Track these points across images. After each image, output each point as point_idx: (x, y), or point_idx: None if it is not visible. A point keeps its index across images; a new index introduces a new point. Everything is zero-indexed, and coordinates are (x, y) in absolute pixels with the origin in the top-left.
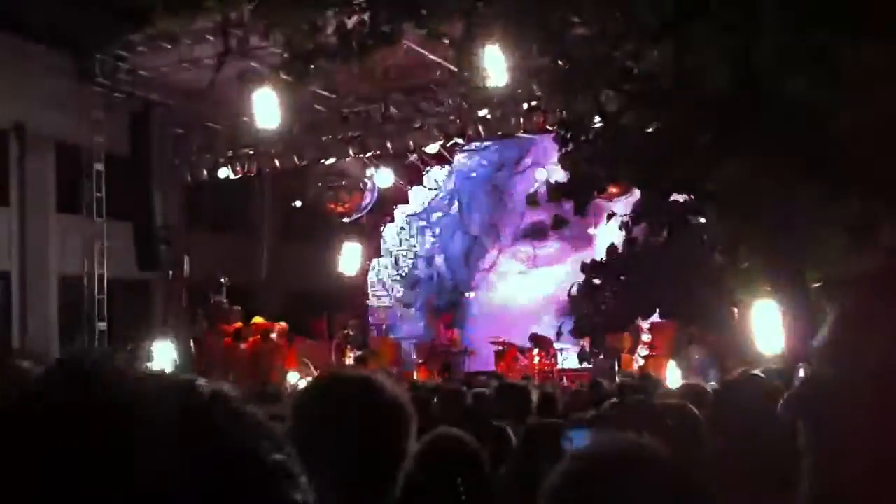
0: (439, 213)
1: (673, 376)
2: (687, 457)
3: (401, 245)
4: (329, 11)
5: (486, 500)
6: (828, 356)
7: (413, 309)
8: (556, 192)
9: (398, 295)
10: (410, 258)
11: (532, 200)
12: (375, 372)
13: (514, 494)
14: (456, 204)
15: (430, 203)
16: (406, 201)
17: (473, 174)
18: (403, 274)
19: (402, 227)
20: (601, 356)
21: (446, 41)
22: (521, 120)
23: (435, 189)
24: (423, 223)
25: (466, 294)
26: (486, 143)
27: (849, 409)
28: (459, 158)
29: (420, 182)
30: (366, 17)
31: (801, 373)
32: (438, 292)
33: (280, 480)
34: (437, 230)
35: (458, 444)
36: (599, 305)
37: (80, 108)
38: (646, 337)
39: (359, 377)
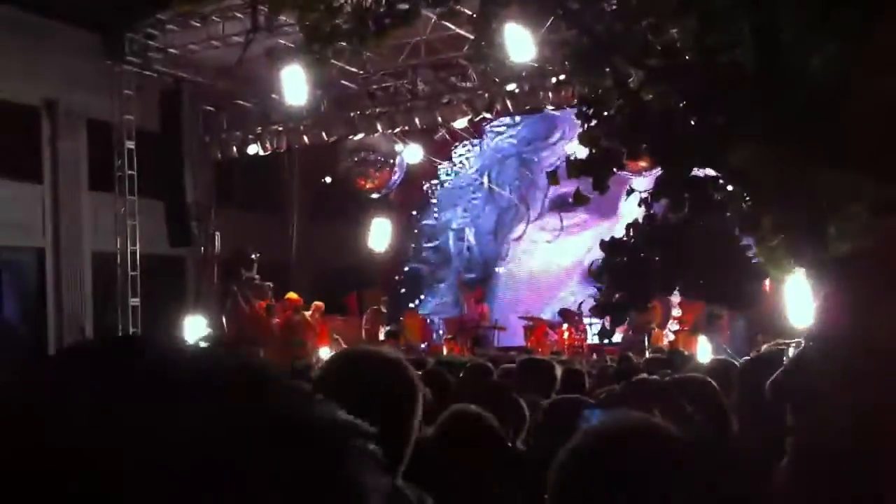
0: (470, 188)
1: (704, 351)
2: (703, 431)
3: (434, 220)
4: None
5: (505, 475)
6: (818, 337)
7: (443, 284)
8: (575, 168)
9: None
10: (442, 233)
11: (553, 177)
12: (388, 348)
13: (531, 470)
14: (485, 178)
15: (460, 178)
16: (435, 177)
17: (502, 149)
18: (436, 249)
19: (436, 203)
20: (630, 332)
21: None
22: (550, 94)
23: (462, 166)
24: (455, 198)
25: (497, 268)
26: (517, 120)
27: (839, 389)
28: (489, 135)
29: (449, 158)
30: None
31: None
32: (468, 267)
33: (349, 438)
34: (467, 206)
35: (477, 421)
36: (618, 283)
37: (111, 86)
38: (677, 312)
39: (375, 354)
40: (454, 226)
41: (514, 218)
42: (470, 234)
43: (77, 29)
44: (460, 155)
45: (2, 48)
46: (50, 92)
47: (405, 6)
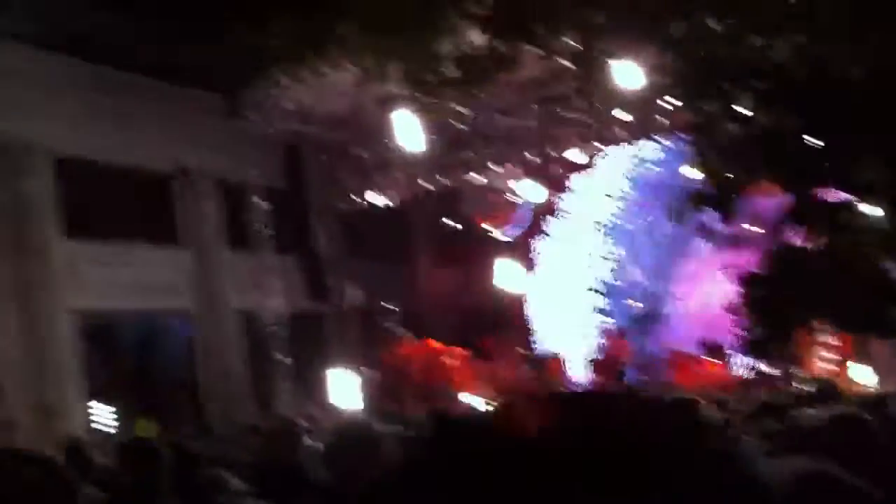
0: (629, 220)
1: (858, 381)
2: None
3: (590, 254)
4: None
5: None
6: None
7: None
8: (695, 199)
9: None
10: (608, 267)
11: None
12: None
13: None
14: (646, 213)
15: (618, 213)
16: (552, 212)
17: (659, 180)
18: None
19: (593, 234)
20: (778, 364)
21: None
22: (665, 121)
23: (620, 196)
24: (615, 233)
25: (663, 303)
26: (666, 151)
27: None
28: (640, 165)
29: (563, 190)
30: (483, 41)
31: None
32: (634, 302)
33: None
34: (630, 240)
35: None
36: (758, 317)
37: (236, 146)
38: (829, 340)
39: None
40: (616, 259)
41: (677, 252)
42: (634, 269)
43: (198, 92)
44: (616, 185)
45: (134, 116)
46: (180, 157)
47: (505, 49)
